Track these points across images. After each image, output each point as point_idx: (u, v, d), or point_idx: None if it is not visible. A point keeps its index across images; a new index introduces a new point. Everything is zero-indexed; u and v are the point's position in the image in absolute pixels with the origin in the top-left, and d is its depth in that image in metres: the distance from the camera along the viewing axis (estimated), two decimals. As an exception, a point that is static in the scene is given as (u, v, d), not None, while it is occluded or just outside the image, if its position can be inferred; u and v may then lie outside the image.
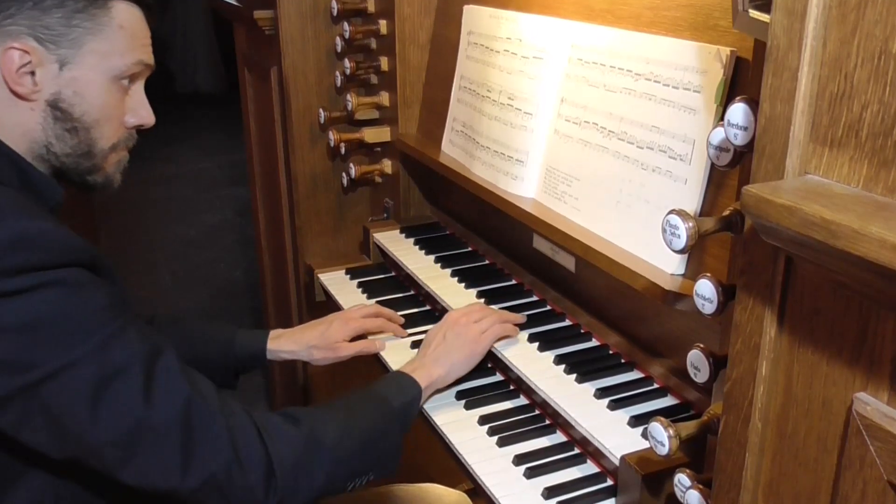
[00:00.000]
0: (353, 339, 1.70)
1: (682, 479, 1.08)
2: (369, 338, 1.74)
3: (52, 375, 1.07)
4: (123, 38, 1.25)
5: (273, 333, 1.68)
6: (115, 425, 1.12)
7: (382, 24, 2.11)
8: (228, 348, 1.63)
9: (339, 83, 2.27)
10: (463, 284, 1.85)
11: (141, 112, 1.33)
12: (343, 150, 2.30)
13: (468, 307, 1.66)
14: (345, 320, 1.70)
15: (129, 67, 1.27)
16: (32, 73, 1.19)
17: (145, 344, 1.15)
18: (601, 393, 1.43)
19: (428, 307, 1.90)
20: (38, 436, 1.11)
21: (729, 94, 1.23)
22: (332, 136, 2.23)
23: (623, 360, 1.54)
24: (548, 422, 1.50)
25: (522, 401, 1.57)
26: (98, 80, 1.24)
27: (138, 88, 1.32)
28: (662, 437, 1.11)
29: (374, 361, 1.73)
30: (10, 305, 1.05)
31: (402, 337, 1.76)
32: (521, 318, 1.67)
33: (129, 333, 1.14)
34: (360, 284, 2.04)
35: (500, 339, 1.62)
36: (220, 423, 1.19)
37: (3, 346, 1.06)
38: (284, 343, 1.66)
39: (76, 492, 1.23)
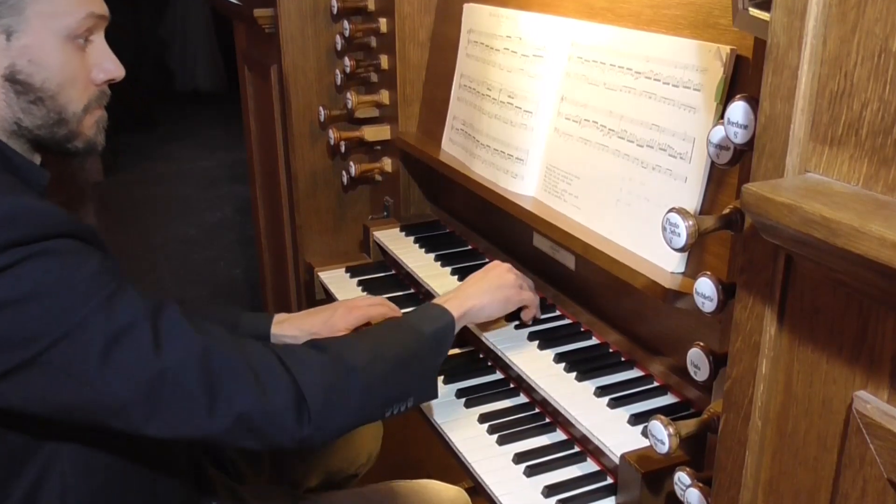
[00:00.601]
0: (356, 330, 1.69)
1: (682, 477, 1.08)
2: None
3: (57, 343, 1.06)
4: None
5: (277, 318, 1.66)
6: (132, 382, 1.10)
7: (382, 23, 2.10)
8: (233, 331, 1.62)
9: (339, 81, 2.27)
10: (463, 283, 1.85)
11: (106, 65, 1.25)
12: (343, 149, 2.30)
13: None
14: (349, 308, 1.68)
15: (80, 23, 1.19)
16: None
17: (147, 301, 1.14)
18: (601, 391, 1.43)
19: (428, 305, 1.90)
20: (56, 406, 1.10)
21: (729, 93, 1.23)
22: (332, 134, 2.23)
23: (623, 359, 1.54)
24: (548, 420, 1.50)
25: (522, 399, 1.57)
26: (51, 44, 1.17)
27: (98, 42, 1.25)
28: (662, 435, 1.11)
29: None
30: (1, 282, 1.03)
31: None
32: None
33: (128, 293, 1.12)
34: (360, 283, 2.04)
35: (526, 308, 1.62)
36: (239, 360, 1.17)
37: (1, 323, 1.04)
38: (287, 328, 1.64)
39: (91, 465, 1.22)
